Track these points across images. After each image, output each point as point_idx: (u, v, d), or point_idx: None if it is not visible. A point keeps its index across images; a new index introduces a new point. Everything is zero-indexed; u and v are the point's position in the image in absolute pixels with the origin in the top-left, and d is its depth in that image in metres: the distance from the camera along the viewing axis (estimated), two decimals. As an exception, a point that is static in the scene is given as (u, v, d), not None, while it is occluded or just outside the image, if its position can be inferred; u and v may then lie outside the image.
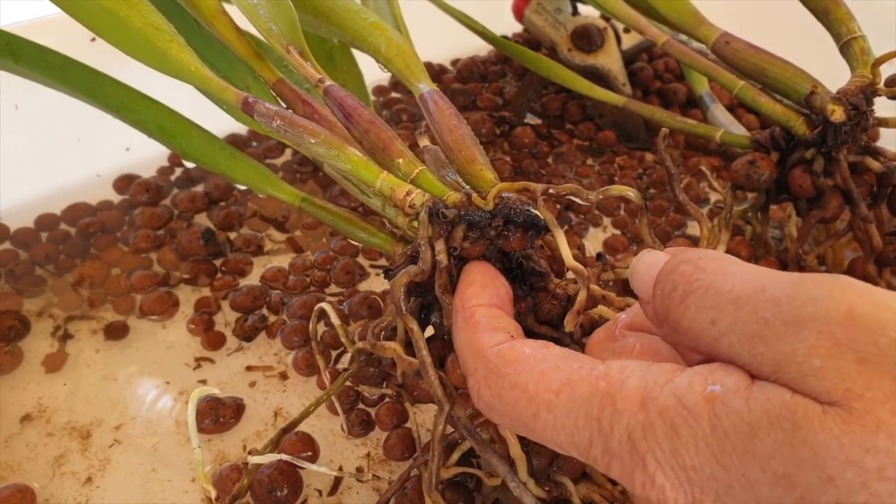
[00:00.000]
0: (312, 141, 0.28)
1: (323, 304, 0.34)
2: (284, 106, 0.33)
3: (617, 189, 0.25)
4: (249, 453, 0.30)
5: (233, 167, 0.40)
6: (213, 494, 0.30)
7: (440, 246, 0.26)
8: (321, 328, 0.40)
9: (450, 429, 0.25)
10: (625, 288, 0.32)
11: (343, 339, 0.33)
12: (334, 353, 0.40)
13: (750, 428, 0.17)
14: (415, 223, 0.26)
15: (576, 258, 0.24)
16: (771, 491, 0.17)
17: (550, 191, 0.25)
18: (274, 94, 0.35)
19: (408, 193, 0.27)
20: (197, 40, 0.35)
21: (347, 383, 0.36)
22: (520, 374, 0.21)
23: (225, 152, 0.40)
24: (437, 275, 0.26)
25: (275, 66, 0.35)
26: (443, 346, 0.27)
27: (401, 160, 0.28)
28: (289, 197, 0.38)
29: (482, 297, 0.25)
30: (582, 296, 0.23)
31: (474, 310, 0.24)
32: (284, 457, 0.30)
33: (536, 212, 0.25)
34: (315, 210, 0.36)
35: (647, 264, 0.22)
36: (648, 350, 0.24)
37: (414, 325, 0.25)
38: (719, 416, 0.18)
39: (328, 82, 0.31)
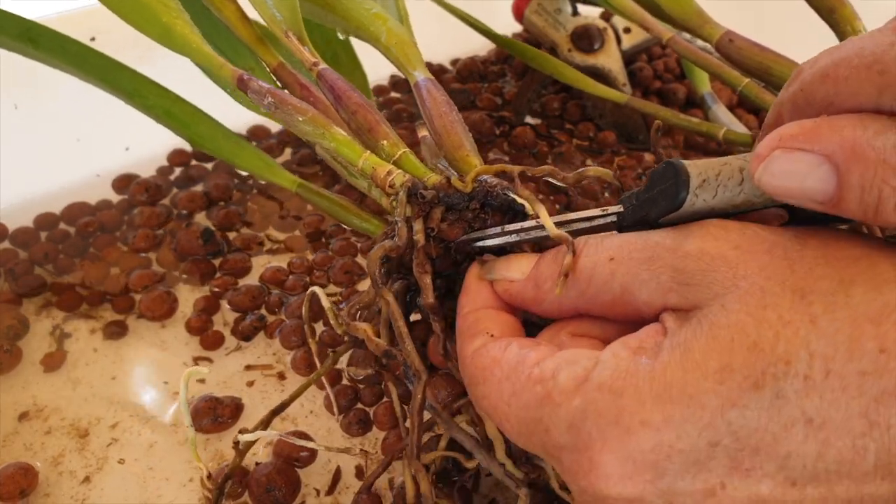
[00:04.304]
0: (300, 119, 0.29)
1: (314, 288, 0.33)
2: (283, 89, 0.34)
3: (593, 171, 0.26)
4: (240, 432, 0.30)
5: (236, 153, 0.41)
6: (206, 473, 0.30)
7: (418, 226, 0.26)
8: (320, 327, 0.40)
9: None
10: None
11: (332, 322, 0.33)
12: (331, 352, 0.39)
13: (682, 349, 0.19)
14: (395, 203, 0.27)
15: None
16: (717, 388, 0.19)
17: (527, 172, 0.26)
18: (275, 78, 0.35)
19: (388, 173, 0.27)
20: (203, 23, 0.37)
21: (345, 382, 0.36)
22: (486, 384, 0.23)
23: (229, 139, 0.42)
24: (414, 254, 0.26)
25: (276, 51, 0.36)
26: (427, 329, 0.27)
27: (385, 142, 0.29)
28: (286, 182, 0.39)
29: (473, 302, 0.26)
30: (568, 259, 0.23)
31: (464, 317, 0.26)
32: (274, 433, 0.31)
33: (514, 196, 0.26)
34: (311, 196, 0.37)
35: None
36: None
37: (389, 297, 0.26)
38: (651, 362, 0.20)
39: (322, 66, 0.32)
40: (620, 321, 0.23)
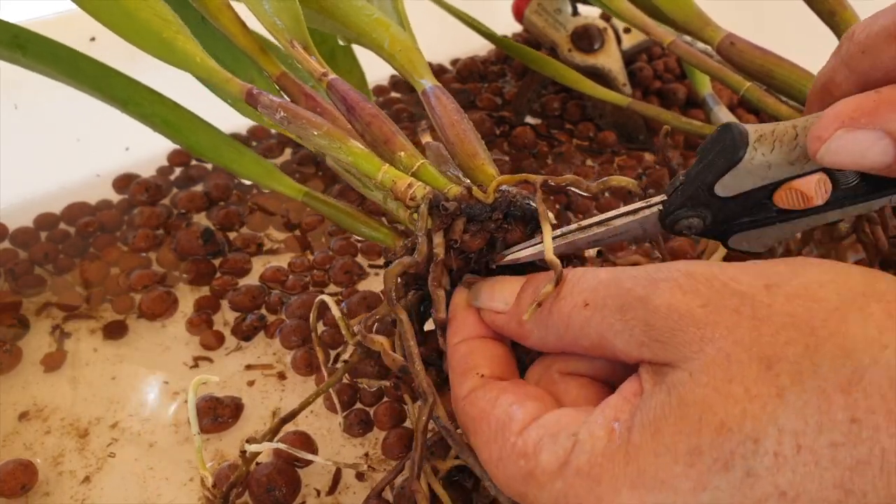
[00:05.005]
0: (315, 133, 0.28)
1: (324, 297, 0.33)
2: (288, 100, 0.33)
3: (616, 180, 0.26)
4: (247, 441, 0.30)
5: (237, 161, 0.40)
6: (210, 481, 0.30)
7: (438, 239, 0.26)
8: (320, 327, 0.40)
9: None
10: None
11: (344, 332, 0.33)
12: (333, 353, 0.40)
13: (652, 430, 0.19)
14: (415, 216, 0.26)
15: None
16: (688, 472, 0.18)
17: (550, 182, 0.25)
18: (278, 89, 0.35)
19: (409, 186, 0.27)
20: (202, 34, 0.36)
21: (345, 380, 0.36)
22: (476, 437, 0.23)
23: (229, 147, 0.41)
24: (431, 268, 0.26)
25: (279, 60, 0.35)
26: (443, 341, 0.27)
27: (402, 153, 0.28)
28: (291, 191, 0.38)
29: (461, 332, 0.25)
30: (548, 288, 0.23)
31: (454, 349, 0.25)
32: (282, 446, 0.30)
33: (536, 205, 0.25)
34: (317, 204, 0.36)
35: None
36: (581, 397, 0.24)
37: (403, 316, 0.25)
38: (625, 445, 0.19)
39: (332, 76, 0.31)
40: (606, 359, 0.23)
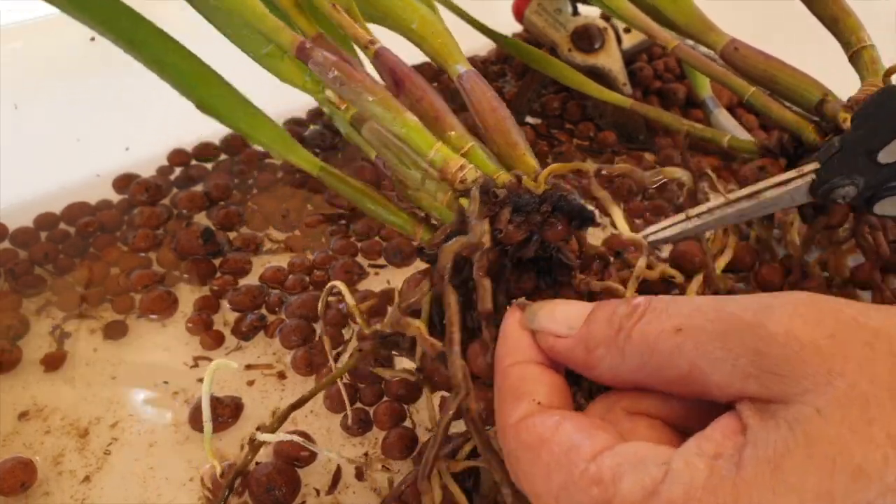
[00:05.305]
0: (370, 98, 0.26)
1: (335, 282, 0.32)
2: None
3: (669, 171, 0.24)
4: (258, 429, 0.29)
5: (252, 125, 0.38)
6: (219, 470, 0.30)
7: (485, 226, 0.24)
8: (319, 327, 0.40)
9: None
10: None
11: (358, 319, 0.32)
12: (333, 353, 0.39)
13: (771, 466, 0.17)
14: (463, 200, 0.25)
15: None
16: None
17: (603, 171, 0.24)
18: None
19: (461, 168, 0.26)
20: None
21: (345, 380, 0.36)
22: (531, 466, 0.20)
23: (245, 108, 0.38)
24: (477, 257, 0.24)
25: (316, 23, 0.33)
26: (467, 334, 0.25)
27: (452, 133, 0.27)
28: (308, 165, 0.36)
29: (514, 355, 0.23)
30: (641, 263, 0.22)
31: (504, 372, 0.23)
32: (290, 437, 0.30)
33: (584, 202, 0.24)
34: (334, 181, 0.34)
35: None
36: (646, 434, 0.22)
37: (452, 298, 0.23)
38: (733, 478, 0.17)
39: (379, 44, 0.29)
40: (685, 398, 0.20)
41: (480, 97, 0.28)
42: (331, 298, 0.43)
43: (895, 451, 0.16)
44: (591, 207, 0.24)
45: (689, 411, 0.21)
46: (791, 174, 0.24)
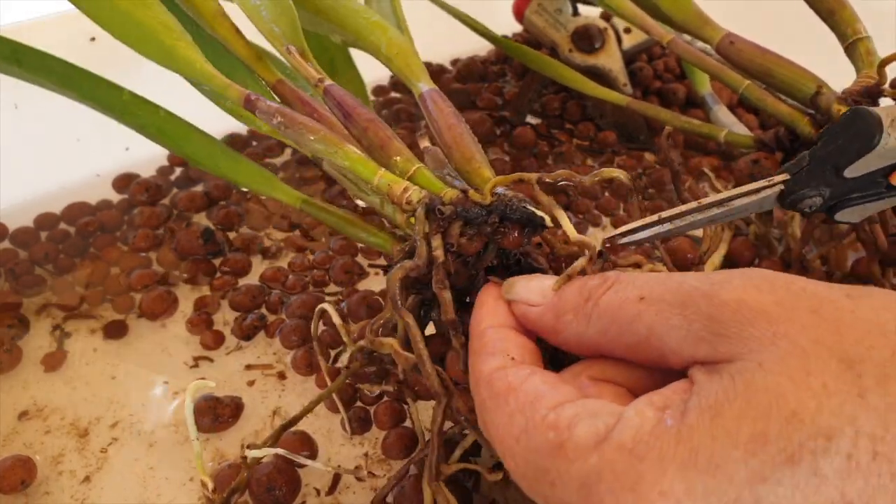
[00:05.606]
0: (311, 138, 0.28)
1: (324, 305, 0.34)
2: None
3: (607, 172, 0.26)
4: (248, 447, 0.30)
5: (234, 169, 0.40)
6: (211, 486, 0.30)
7: (437, 242, 0.26)
8: (320, 327, 0.40)
9: (449, 424, 0.25)
10: None
11: (344, 339, 0.33)
12: (332, 352, 0.39)
13: (712, 413, 0.18)
14: (412, 220, 0.26)
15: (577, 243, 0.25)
16: (748, 460, 0.17)
17: (545, 179, 0.25)
18: (274, 95, 0.35)
19: (405, 190, 0.27)
20: (197, 41, 0.36)
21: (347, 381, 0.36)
22: (496, 412, 0.21)
23: (226, 155, 0.41)
24: (434, 271, 0.26)
25: (275, 67, 0.35)
26: (442, 343, 0.27)
27: (398, 158, 0.28)
28: (289, 199, 0.38)
29: (491, 319, 0.24)
30: (581, 262, 0.23)
31: (481, 333, 0.24)
32: (282, 451, 0.30)
33: (533, 208, 0.25)
34: (316, 211, 0.36)
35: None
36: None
37: (410, 320, 0.25)
38: (677, 424, 0.18)
39: (328, 82, 0.31)
40: (644, 366, 0.22)
41: (438, 115, 0.30)
42: (329, 298, 0.43)
43: (829, 399, 0.17)
44: (540, 213, 0.25)
45: (651, 379, 0.22)
46: (761, 184, 0.26)
